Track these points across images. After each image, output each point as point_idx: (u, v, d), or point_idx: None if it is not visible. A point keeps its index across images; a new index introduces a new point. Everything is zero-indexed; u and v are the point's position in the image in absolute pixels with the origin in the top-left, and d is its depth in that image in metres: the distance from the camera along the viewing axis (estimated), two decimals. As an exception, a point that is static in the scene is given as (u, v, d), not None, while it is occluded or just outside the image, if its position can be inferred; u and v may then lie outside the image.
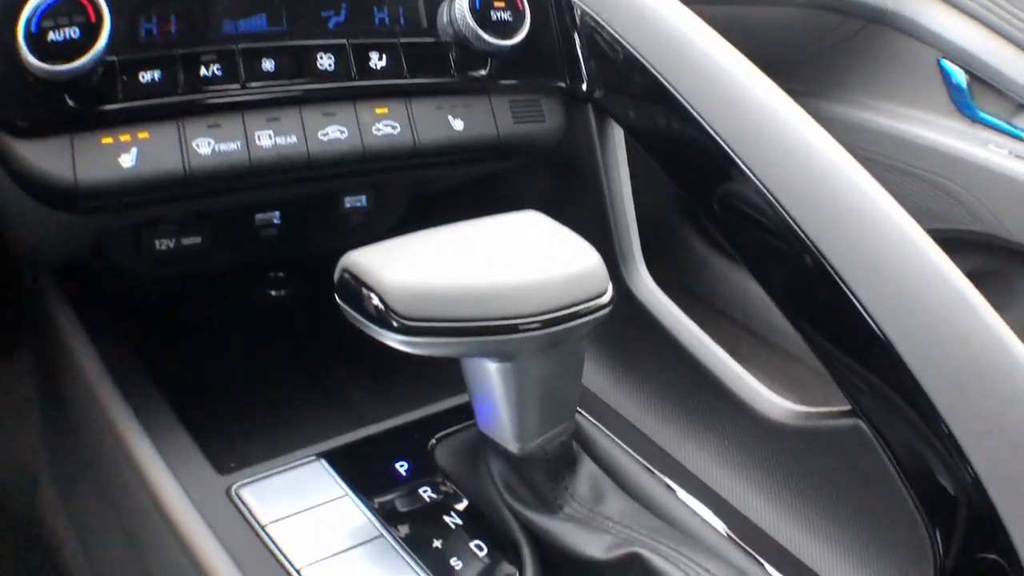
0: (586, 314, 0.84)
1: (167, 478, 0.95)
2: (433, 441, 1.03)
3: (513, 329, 0.80)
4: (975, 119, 2.18)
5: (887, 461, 0.88)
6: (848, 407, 0.91)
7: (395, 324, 0.78)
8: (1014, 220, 2.04)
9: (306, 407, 1.08)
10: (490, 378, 0.86)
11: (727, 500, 1.01)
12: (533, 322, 0.81)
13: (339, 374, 1.14)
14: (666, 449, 1.06)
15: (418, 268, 0.80)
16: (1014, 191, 2.07)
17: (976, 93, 2.18)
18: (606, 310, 0.86)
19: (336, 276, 0.82)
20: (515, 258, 0.84)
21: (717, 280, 2.24)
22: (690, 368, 1.06)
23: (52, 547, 1.38)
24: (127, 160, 0.92)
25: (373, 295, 0.78)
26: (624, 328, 1.12)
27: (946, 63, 2.17)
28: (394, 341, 0.79)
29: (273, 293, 1.29)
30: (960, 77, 2.17)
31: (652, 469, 1.03)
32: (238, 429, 1.04)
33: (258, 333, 1.23)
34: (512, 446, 0.90)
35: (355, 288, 0.80)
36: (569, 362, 0.89)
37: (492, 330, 0.80)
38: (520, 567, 0.90)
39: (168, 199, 0.97)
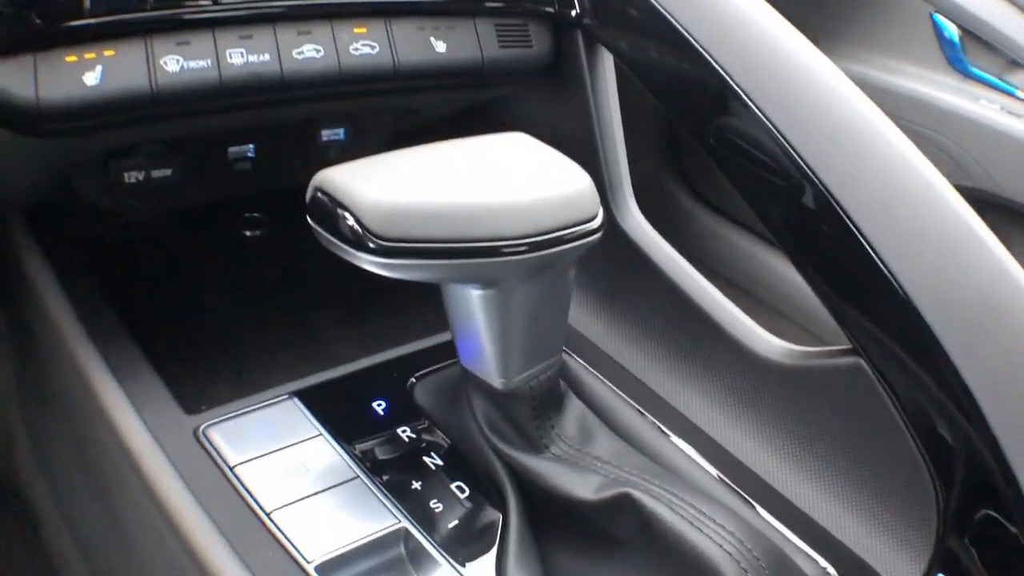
0: (575, 239, 0.78)
1: (132, 419, 0.89)
2: (412, 380, 0.96)
3: (496, 252, 0.74)
4: (967, 74, 2.13)
5: (888, 402, 0.83)
6: (848, 346, 0.86)
7: (371, 245, 0.71)
8: (1005, 176, 1.99)
9: (280, 347, 1.01)
10: (472, 307, 0.80)
11: (719, 443, 0.95)
12: (518, 245, 0.74)
13: (315, 315, 1.08)
14: (656, 391, 1.00)
15: (396, 186, 0.73)
16: (1006, 146, 2.02)
17: (968, 48, 2.13)
18: (596, 236, 0.80)
19: (308, 195, 0.75)
20: (500, 177, 0.77)
21: (703, 235, 2.18)
22: (683, 307, 0.99)
23: (27, 497, 1.32)
24: (91, 78, 0.86)
25: (348, 214, 0.72)
26: (613, 266, 1.06)
27: (938, 17, 2.11)
28: (370, 264, 0.72)
29: (248, 234, 1.22)
30: (952, 32, 2.11)
31: (642, 411, 0.97)
32: (208, 369, 0.98)
33: (232, 274, 1.16)
34: (496, 382, 0.84)
35: (329, 208, 0.73)
36: (556, 292, 0.83)
37: (474, 252, 0.73)
38: (504, 510, 0.84)
39: (135, 120, 0.91)
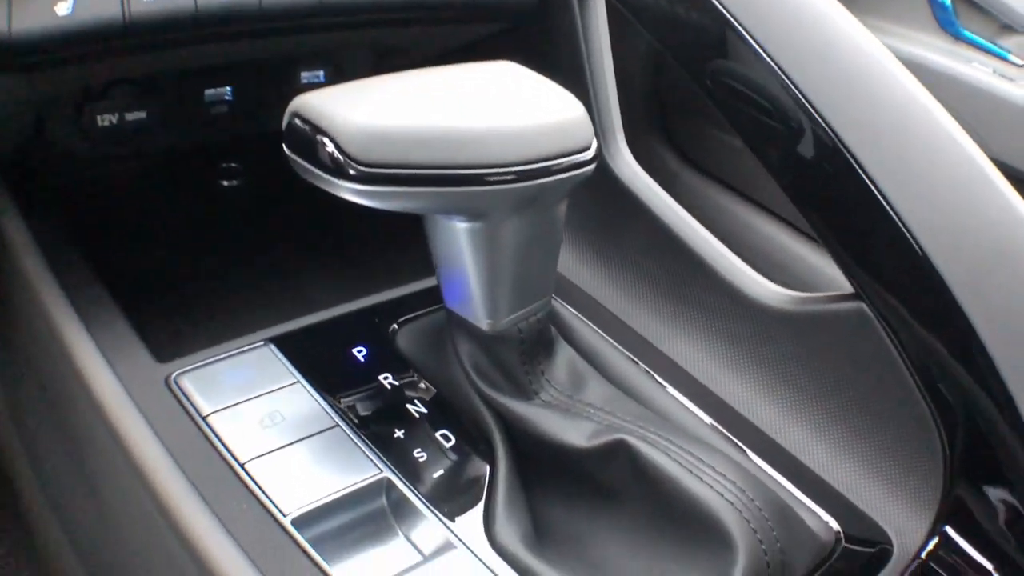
0: (565, 169, 0.72)
1: (101, 368, 0.83)
2: (394, 326, 0.91)
3: (482, 180, 0.68)
4: (959, 37, 2.09)
5: (892, 347, 0.79)
6: (849, 291, 0.81)
7: (352, 172, 0.65)
8: (997, 138, 1.94)
9: (256, 294, 0.96)
10: (458, 242, 0.74)
11: (714, 392, 0.90)
12: (505, 173, 0.69)
13: (293, 262, 1.02)
14: (649, 339, 0.95)
15: (379, 109, 0.68)
16: (998, 110, 1.98)
17: (960, 11, 2.08)
18: (589, 168, 0.75)
19: (285, 122, 0.70)
20: (488, 103, 0.71)
21: (690, 198, 2.12)
22: (677, 252, 0.94)
23: (5, 457, 1.27)
24: (63, 7, 0.80)
25: (327, 140, 0.66)
26: (604, 211, 1.00)
27: (930, -20, 2.07)
28: (351, 193, 0.67)
29: (225, 184, 1.16)
30: (944, -5, 2.07)
31: (634, 359, 0.91)
32: (181, 317, 0.92)
33: (208, 224, 1.11)
34: (483, 323, 0.79)
35: (306, 134, 0.67)
36: (546, 228, 0.77)
37: (459, 180, 0.68)
38: (491, 459, 0.79)
39: (108, 52, 0.85)
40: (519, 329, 0.79)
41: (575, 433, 0.76)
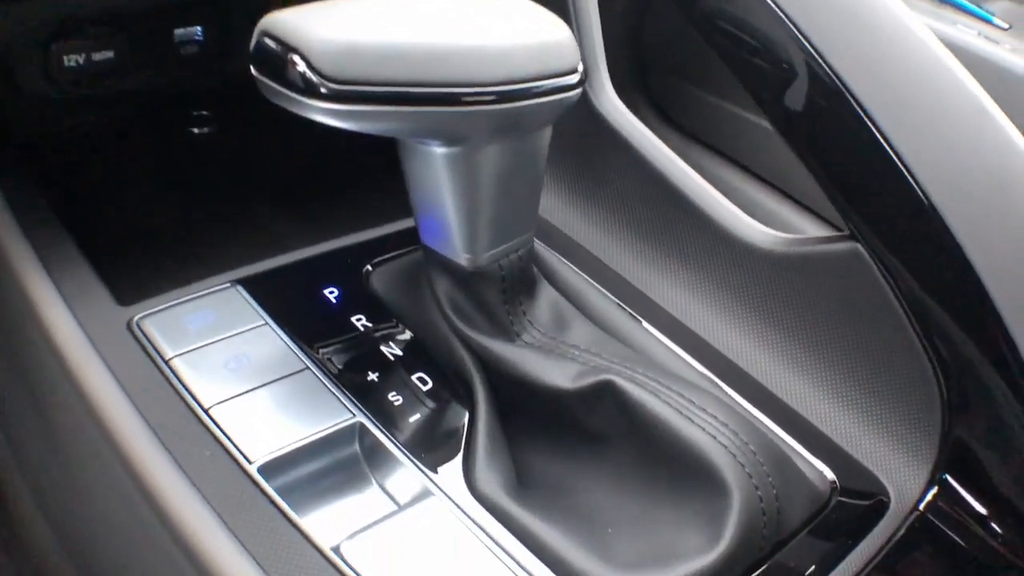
0: (549, 92, 0.67)
1: (60, 311, 0.78)
2: (368, 267, 0.85)
3: (460, 100, 0.63)
4: (944, 0, 2.03)
5: (887, 288, 0.75)
6: (843, 232, 0.77)
7: (323, 90, 0.60)
8: (981, 100, 1.89)
9: (224, 237, 0.90)
10: (435, 170, 0.69)
11: (703, 338, 0.85)
12: (484, 93, 0.63)
13: (265, 207, 0.96)
14: (635, 284, 0.89)
15: (352, 25, 0.62)
16: (982, 72, 1.92)
17: (945, -27, 2.03)
18: (574, 92, 0.69)
19: (253, 42, 0.64)
20: (469, 20, 0.65)
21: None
22: (664, 193, 0.89)
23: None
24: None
25: (297, 57, 0.60)
26: (588, 150, 0.95)
27: (915, -60, 2.01)
28: (322, 113, 0.61)
29: (196, 131, 1.10)
30: (929, -45, 2.01)
31: (620, 304, 0.86)
32: (146, 260, 0.86)
33: (177, 172, 1.04)
34: (461, 259, 0.73)
35: (275, 52, 0.62)
36: (528, 157, 0.72)
37: (436, 99, 0.62)
38: (471, 402, 0.74)
39: None
40: (500, 266, 0.74)
41: (559, 374, 0.71)
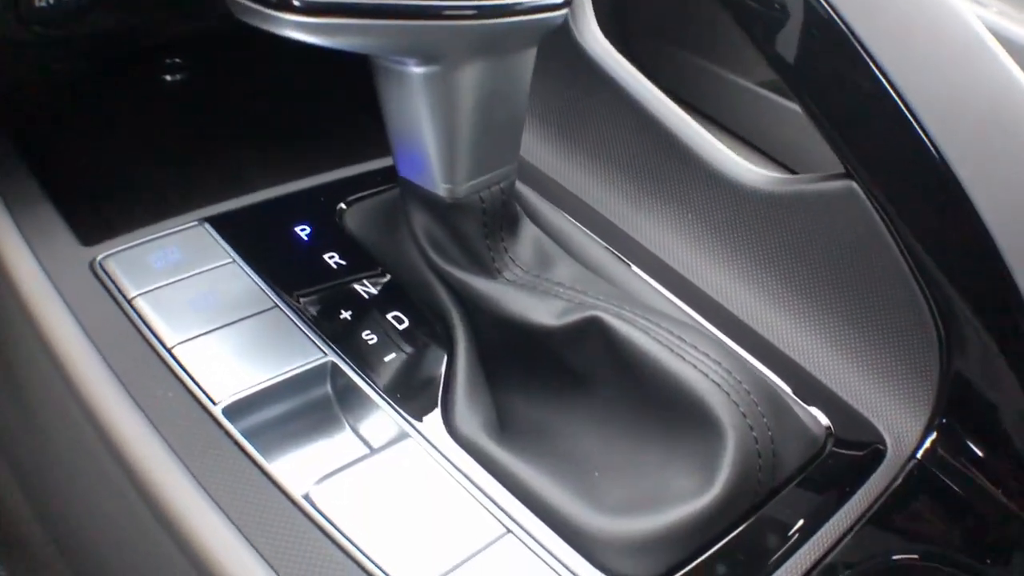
0: (532, 11, 0.61)
1: (20, 250, 0.72)
2: (342, 205, 0.79)
3: (439, 13, 0.57)
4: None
5: (883, 227, 0.71)
6: (836, 171, 0.74)
7: (296, 2, 0.53)
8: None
9: (194, 177, 0.83)
10: (413, 93, 0.63)
11: (693, 282, 0.79)
12: (465, 8, 0.57)
13: (236, 150, 0.89)
14: (621, 226, 0.84)
15: None
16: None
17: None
18: (558, 12, 0.64)
19: None
20: None
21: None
22: (651, 133, 0.83)
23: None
24: None
25: None
26: (571, 89, 0.89)
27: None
28: (295, 29, 0.55)
29: (168, 79, 1.04)
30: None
31: (606, 246, 0.80)
32: (111, 200, 0.80)
33: (150, 118, 0.98)
34: (439, 189, 0.67)
35: None
36: (509, 81, 0.66)
37: (413, 12, 0.56)
38: (450, 342, 0.68)
39: None
40: (480, 198, 0.68)
41: (543, 311, 0.66)
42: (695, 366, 0.62)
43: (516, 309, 0.66)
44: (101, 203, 0.80)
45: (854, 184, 0.72)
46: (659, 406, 0.63)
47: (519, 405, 0.67)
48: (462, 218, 0.68)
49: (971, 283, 0.68)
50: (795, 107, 1.18)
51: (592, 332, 0.64)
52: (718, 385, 0.61)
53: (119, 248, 0.73)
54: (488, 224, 0.70)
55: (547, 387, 0.68)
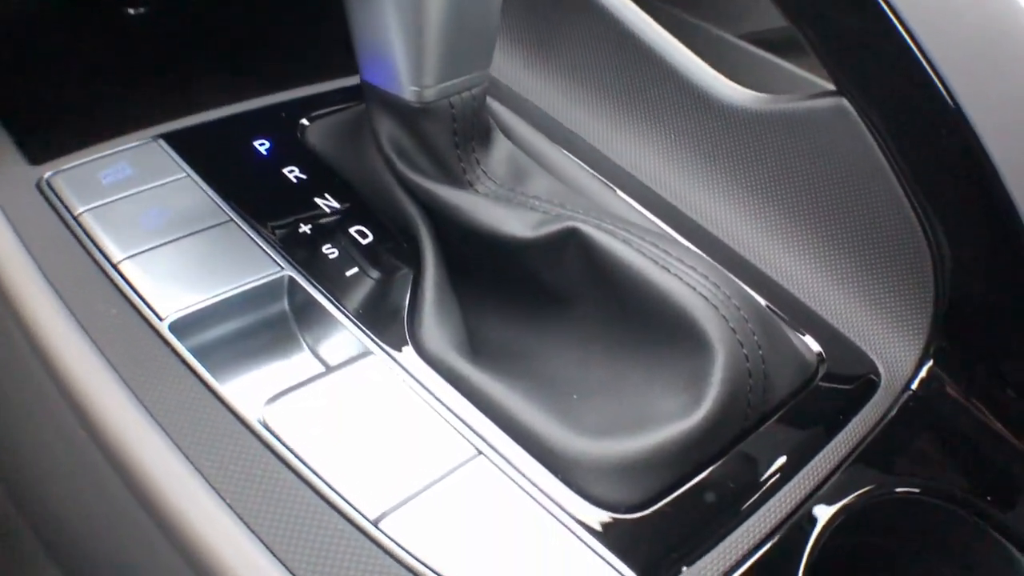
0: None
1: None
2: (304, 121, 0.71)
3: None
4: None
5: (875, 145, 0.66)
6: (828, 89, 0.68)
7: None
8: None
9: (151, 95, 0.76)
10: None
11: (678, 207, 0.72)
12: None
13: (198, 72, 0.81)
14: (599, 147, 0.76)
15: None
16: None
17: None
18: None
19: None
20: None
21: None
22: (632, 51, 0.77)
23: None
24: None
25: None
26: (546, 6, 0.81)
27: None
28: None
29: (132, 12, 0.96)
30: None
31: (585, 166, 0.73)
32: (63, 120, 0.72)
33: (109, 47, 0.90)
34: (407, 92, 0.60)
35: None
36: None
37: None
38: (417, 256, 0.61)
39: None
40: (451, 103, 0.61)
41: (517, 223, 0.59)
42: (681, 279, 0.55)
43: (488, 220, 0.59)
44: (52, 123, 0.72)
45: (845, 101, 0.66)
46: (642, 322, 0.56)
47: (491, 325, 0.61)
48: (431, 125, 0.61)
49: (968, 203, 0.63)
50: (778, 61, 1.12)
51: (570, 244, 0.57)
52: (706, 299, 0.55)
53: (68, 166, 0.66)
54: (459, 133, 0.62)
55: (522, 305, 0.61)
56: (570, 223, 0.57)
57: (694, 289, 0.55)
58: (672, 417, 0.53)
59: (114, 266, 0.58)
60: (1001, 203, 0.61)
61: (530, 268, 0.59)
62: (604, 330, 0.58)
